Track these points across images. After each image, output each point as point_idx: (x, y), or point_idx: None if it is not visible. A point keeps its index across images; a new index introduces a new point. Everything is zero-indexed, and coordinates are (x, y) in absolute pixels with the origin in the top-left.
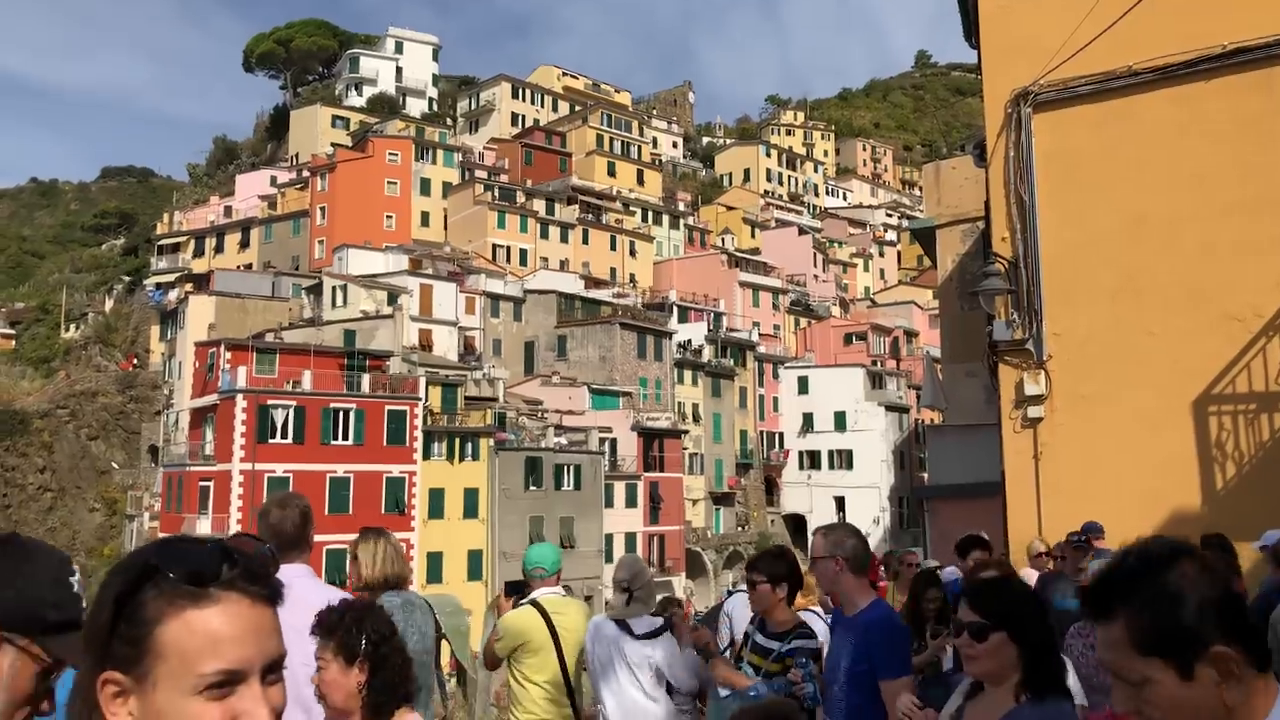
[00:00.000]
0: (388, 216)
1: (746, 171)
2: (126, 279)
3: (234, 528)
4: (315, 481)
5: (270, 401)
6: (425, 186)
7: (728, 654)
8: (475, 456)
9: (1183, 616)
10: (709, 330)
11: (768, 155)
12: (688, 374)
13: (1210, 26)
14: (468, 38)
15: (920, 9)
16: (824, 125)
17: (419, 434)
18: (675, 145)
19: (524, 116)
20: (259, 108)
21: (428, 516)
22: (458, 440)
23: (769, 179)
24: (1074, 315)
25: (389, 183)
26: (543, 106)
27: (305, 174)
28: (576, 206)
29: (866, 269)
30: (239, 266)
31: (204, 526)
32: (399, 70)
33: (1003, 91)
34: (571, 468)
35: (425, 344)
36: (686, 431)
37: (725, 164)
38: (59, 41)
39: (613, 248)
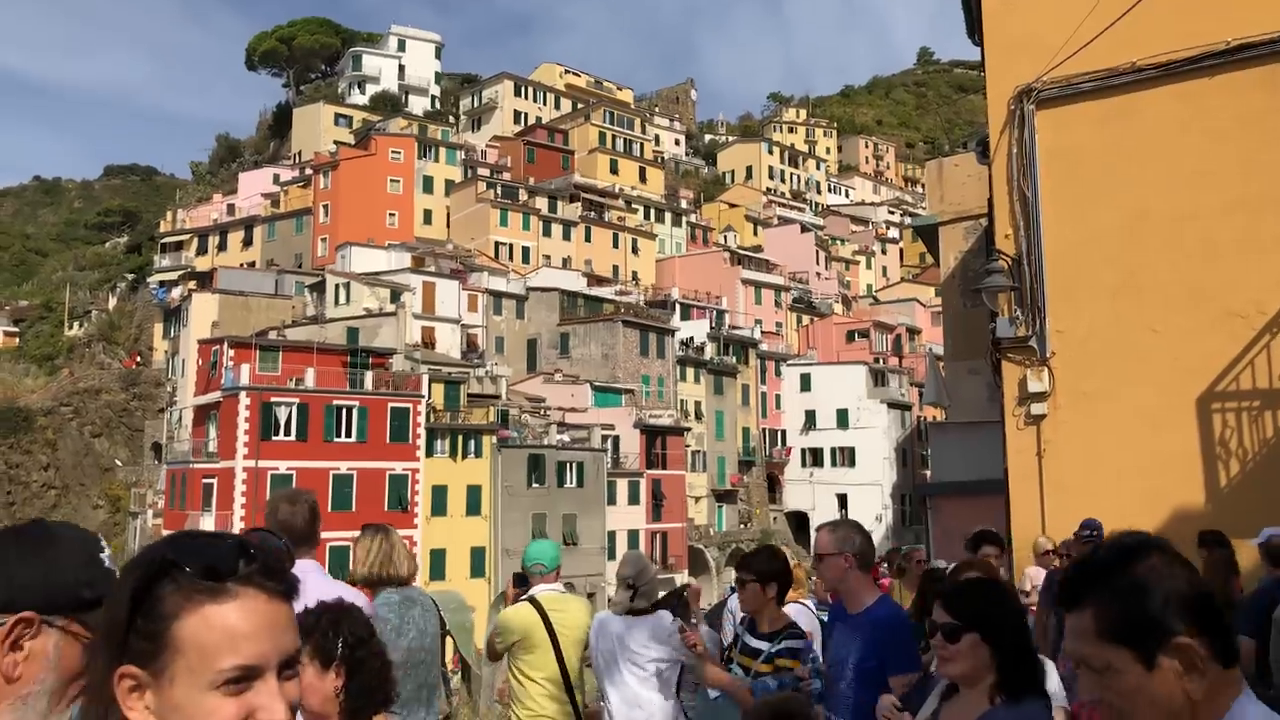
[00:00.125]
0: (390, 214)
1: (749, 169)
2: (130, 277)
3: (237, 525)
4: (318, 479)
5: (273, 399)
6: (428, 184)
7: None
8: (478, 454)
9: (1148, 606)
10: (711, 328)
11: (770, 152)
12: (690, 371)
13: (1213, 23)
14: (470, 35)
15: (923, 6)
16: (826, 122)
17: (422, 431)
18: (678, 143)
19: (526, 114)
20: (262, 105)
21: (430, 514)
22: (460, 438)
23: (771, 176)
24: (1077, 312)
25: (392, 181)
26: (545, 104)
27: (308, 172)
28: (579, 204)
29: (869, 266)
30: (242, 264)
31: (207, 524)
32: (401, 68)
33: (1005, 88)
34: (574, 465)
35: (428, 341)
36: (689, 429)
37: (727, 161)
38: (61, 39)
39: (615, 245)
